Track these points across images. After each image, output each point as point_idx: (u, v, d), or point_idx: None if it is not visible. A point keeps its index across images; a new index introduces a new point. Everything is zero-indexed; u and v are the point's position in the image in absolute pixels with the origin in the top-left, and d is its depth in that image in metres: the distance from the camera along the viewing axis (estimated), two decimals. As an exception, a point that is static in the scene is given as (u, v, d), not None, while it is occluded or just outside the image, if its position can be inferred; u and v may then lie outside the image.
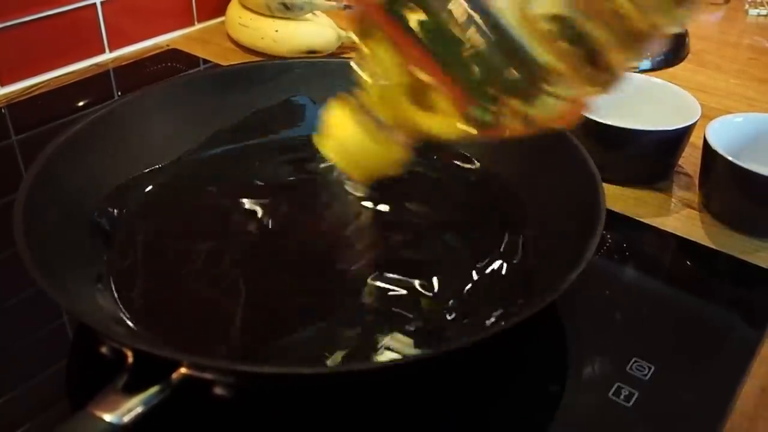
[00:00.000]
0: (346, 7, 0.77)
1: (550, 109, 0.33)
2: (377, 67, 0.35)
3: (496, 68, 0.31)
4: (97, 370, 0.35)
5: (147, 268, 0.45)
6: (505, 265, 0.46)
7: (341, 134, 0.36)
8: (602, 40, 0.30)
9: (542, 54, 0.31)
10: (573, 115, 0.34)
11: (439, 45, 0.32)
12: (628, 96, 0.61)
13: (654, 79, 0.61)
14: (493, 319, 0.41)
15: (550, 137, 0.49)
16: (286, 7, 0.74)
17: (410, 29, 0.32)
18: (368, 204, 0.50)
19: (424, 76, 0.33)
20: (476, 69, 0.32)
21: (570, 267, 0.37)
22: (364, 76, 0.35)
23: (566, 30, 0.30)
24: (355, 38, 0.35)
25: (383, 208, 0.50)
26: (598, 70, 0.31)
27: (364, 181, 0.39)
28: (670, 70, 0.78)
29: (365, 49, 0.35)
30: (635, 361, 0.41)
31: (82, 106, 0.68)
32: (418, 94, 0.34)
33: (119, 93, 0.72)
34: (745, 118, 0.56)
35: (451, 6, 0.31)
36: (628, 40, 0.31)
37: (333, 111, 0.37)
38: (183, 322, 0.41)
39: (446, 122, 0.34)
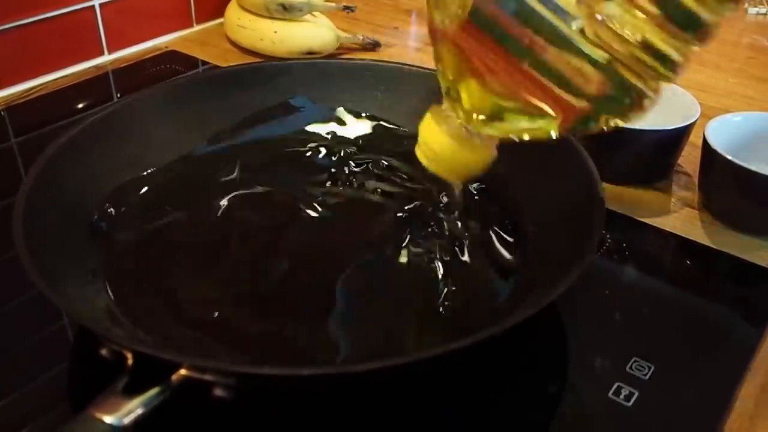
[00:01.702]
0: (345, 8, 0.77)
1: (647, 106, 0.34)
2: (469, 101, 0.36)
3: (619, 80, 0.32)
4: (98, 372, 0.35)
5: (146, 269, 0.45)
6: (504, 265, 0.46)
7: (433, 143, 0.38)
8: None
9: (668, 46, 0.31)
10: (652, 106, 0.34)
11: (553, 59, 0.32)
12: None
13: (653, 79, 0.61)
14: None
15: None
16: (285, 9, 0.74)
17: (505, 37, 0.33)
18: (369, 200, 0.50)
19: (528, 98, 0.33)
20: (603, 83, 0.32)
21: (569, 267, 0.37)
22: (447, 96, 0.36)
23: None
24: (440, 80, 0.37)
25: (382, 203, 0.50)
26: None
27: (458, 181, 0.41)
28: (669, 69, 0.78)
29: (448, 68, 0.36)
30: (635, 361, 0.41)
31: (81, 108, 0.68)
32: (514, 110, 0.35)
33: (118, 95, 0.72)
34: (745, 117, 0.56)
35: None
36: None
37: (424, 120, 0.38)
38: (183, 323, 0.41)
39: (541, 130, 0.35)
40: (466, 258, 0.46)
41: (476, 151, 0.37)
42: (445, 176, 0.40)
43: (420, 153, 0.39)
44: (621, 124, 0.35)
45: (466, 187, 0.43)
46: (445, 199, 0.48)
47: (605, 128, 0.35)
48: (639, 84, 0.33)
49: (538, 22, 0.32)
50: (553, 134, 0.35)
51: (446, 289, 0.44)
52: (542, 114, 0.34)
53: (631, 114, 0.34)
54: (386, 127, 0.58)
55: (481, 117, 0.36)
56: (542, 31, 0.32)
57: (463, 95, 0.36)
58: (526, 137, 0.36)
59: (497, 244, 0.47)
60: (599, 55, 0.32)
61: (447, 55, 0.35)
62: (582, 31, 0.32)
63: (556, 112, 0.34)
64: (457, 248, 0.46)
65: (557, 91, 0.33)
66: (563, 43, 0.32)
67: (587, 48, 0.32)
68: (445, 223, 0.47)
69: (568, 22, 0.32)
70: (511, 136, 0.36)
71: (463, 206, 0.45)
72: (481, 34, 0.34)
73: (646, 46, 0.32)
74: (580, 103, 0.33)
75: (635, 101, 0.33)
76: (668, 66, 0.32)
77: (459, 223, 0.47)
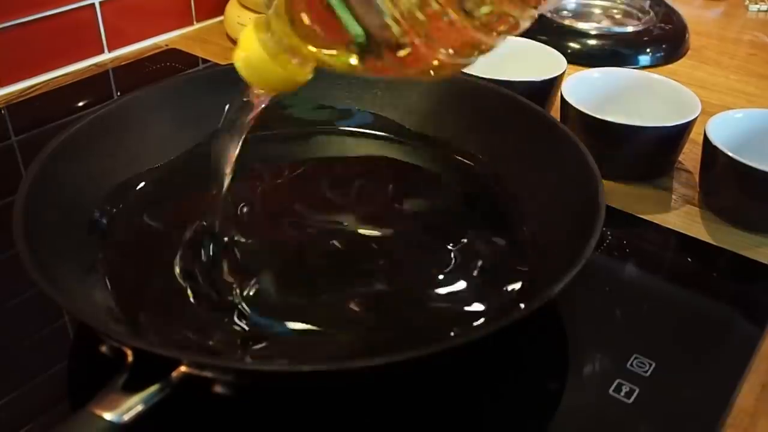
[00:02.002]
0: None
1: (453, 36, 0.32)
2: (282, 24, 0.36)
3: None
4: (98, 369, 0.35)
5: (145, 266, 0.45)
6: (504, 262, 0.46)
7: (249, 52, 0.38)
8: None
9: None
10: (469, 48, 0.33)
11: None
12: (628, 92, 0.61)
13: (654, 75, 0.61)
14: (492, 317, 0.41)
15: (549, 134, 0.49)
16: (285, 6, 0.74)
17: None
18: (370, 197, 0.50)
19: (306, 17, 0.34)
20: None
21: (569, 264, 0.37)
22: (274, 25, 0.36)
23: None
24: None
25: (383, 200, 0.50)
26: None
27: (267, 92, 0.40)
28: (670, 66, 0.78)
29: None
30: (636, 358, 0.41)
31: (81, 106, 0.68)
32: (309, 29, 0.35)
33: (118, 93, 0.72)
34: (746, 114, 0.56)
35: None
36: None
37: (247, 29, 0.38)
38: (182, 320, 0.41)
39: (335, 57, 0.35)
40: (465, 256, 0.46)
41: (287, 69, 0.37)
42: (255, 84, 0.40)
43: (235, 57, 0.39)
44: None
45: (261, 100, 0.41)
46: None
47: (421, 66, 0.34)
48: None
49: None
50: (352, 61, 0.34)
51: (446, 287, 0.44)
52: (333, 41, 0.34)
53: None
54: (386, 123, 0.58)
55: (291, 37, 0.35)
56: None
57: (278, 16, 0.35)
58: (329, 63, 0.35)
59: (497, 242, 0.47)
60: None
61: None
62: None
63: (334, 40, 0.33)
64: (457, 246, 0.46)
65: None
66: None
67: None
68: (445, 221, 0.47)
69: None
70: (316, 58, 0.36)
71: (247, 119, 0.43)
72: None
73: None
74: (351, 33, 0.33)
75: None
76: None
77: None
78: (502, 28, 0.32)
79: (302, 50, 0.36)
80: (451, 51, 0.33)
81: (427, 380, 0.39)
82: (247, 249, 0.46)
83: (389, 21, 0.31)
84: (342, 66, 0.35)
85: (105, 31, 0.75)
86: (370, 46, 0.33)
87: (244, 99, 0.41)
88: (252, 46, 0.37)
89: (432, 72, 0.34)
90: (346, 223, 0.49)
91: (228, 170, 0.43)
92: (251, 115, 0.42)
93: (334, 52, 0.34)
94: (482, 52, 0.33)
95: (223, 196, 0.43)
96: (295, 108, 0.58)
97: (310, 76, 0.39)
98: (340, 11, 0.32)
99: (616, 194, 0.55)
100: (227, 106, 0.42)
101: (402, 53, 0.33)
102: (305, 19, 0.34)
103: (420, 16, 0.31)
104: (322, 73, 0.59)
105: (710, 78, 0.75)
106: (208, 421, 0.37)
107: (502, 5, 0.31)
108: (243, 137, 0.42)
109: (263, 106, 0.41)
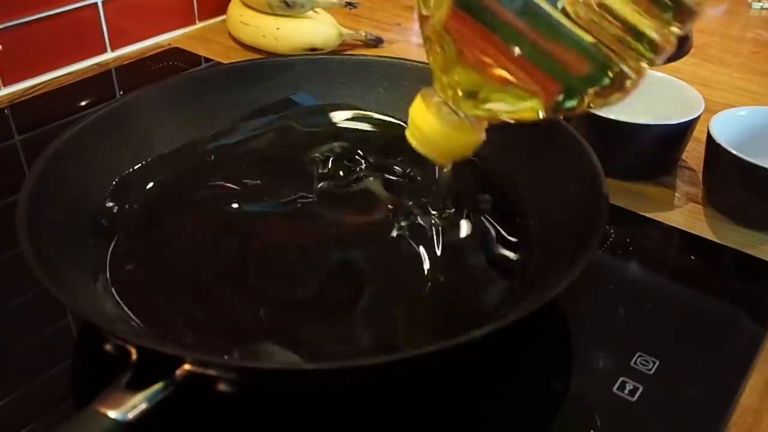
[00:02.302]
0: (348, 4, 0.77)
1: (629, 87, 0.34)
2: (447, 68, 0.36)
3: (600, 56, 0.32)
4: (102, 368, 0.35)
5: (148, 265, 0.45)
6: (507, 260, 0.45)
7: (421, 125, 0.38)
8: None
9: (647, 24, 0.32)
10: (636, 89, 0.35)
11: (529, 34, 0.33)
12: (631, 90, 0.61)
13: (657, 73, 0.61)
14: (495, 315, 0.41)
15: (552, 132, 0.49)
16: (287, 5, 0.74)
17: (490, 21, 0.33)
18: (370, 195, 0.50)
19: (506, 74, 0.34)
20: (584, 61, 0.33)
21: (573, 262, 0.37)
22: (435, 77, 0.37)
23: None
24: (426, 46, 0.37)
25: (385, 198, 0.50)
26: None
27: (446, 163, 0.42)
28: (674, 64, 0.78)
29: (431, 49, 0.36)
30: (639, 356, 0.41)
31: (84, 105, 0.68)
32: (491, 89, 0.36)
33: (121, 92, 0.72)
34: (749, 111, 0.56)
35: None
36: None
37: (414, 103, 0.39)
38: (186, 318, 0.41)
39: (526, 112, 0.36)
40: (468, 253, 0.46)
41: (465, 133, 0.38)
42: (434, 158, 0.41)
43: (410, 134, 0.40)
44: (604, 106, 0.35)
45: (453, 170, 0.43)
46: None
47: (590, 107, 0.35)
48: (620, 64, 0.33)
49: (522, 3, 0.32)
50: (540, 114, 0.35)
51: (448, 285, 0.44)
52: (525, 95, 0.34)
53: (613, 95, 0.34)
54: (389, 123, 0.58)
55: (469, 99, 0.36)
56: (527, 14, 0.32)
57: (451, 78, 0.36)
58: (511, 119, 0.36)
59: (500, 240, 0.47)
60: (581, 35, 0.32)
61: (435, 39, 0.36)
62: (564, 11, 0.32)
63: (538, 93, 0.34)
64: (458, 244, 0.46)
65: (539, 71, 0.33)
66: (547, 23, 0.32)
67: (570, 28, 0.32)
68: (445, 219, 0.47)
69: (551, 2, 0.32)
70: (498, 117, 0.37)
71: (448, 191, 0.45)
72: (465, 17, 0.34)
73: (626, 25, 0.32)
74: (561, 83, 0.34)
75: (616, 82, 0.34)
76: (649, 47, 0.33)
77: (452, 211, 0.47)
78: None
79: (477, 112, 0.36)
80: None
81: (430, 379, 0.39)
82: (257, 244, 0.47)
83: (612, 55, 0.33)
84: (527, 116, 0.36)
85: (108, 30, 0.75)
86: (606, 82, 0.34)
87: (439, 177, 0.43)
88: (426, 119, 0.38)
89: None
90: (346, 220, 0.49)
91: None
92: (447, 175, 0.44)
93: (523, 104, 0.35)
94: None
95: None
96: (297, 107, 0.58)
97: (484, 138, 0.39)
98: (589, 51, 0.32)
99: (620, 192, 0.55)
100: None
101: (628, 84, 0.34)
102: (504, 73, 0.34)
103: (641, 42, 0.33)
104: (323, 73, 0.59)
105: (713, 76, 0.75)
106: (212, 419, 0.37)
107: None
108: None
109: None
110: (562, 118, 0.40)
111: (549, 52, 0.33)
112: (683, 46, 0.81)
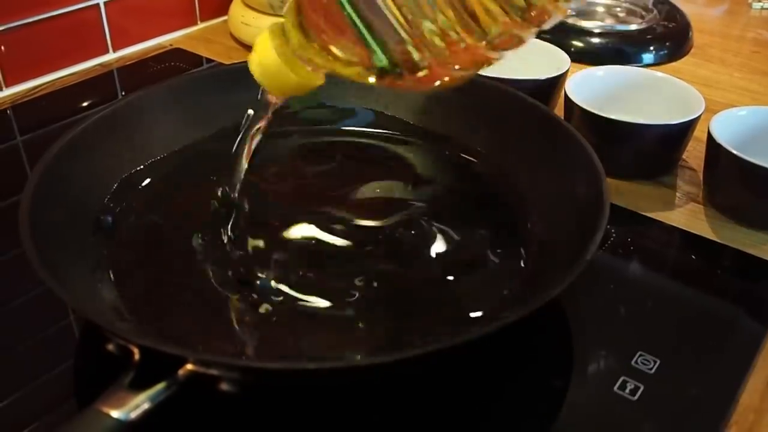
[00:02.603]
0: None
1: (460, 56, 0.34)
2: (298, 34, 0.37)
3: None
4: (104, 368, 0.35)
5: (150, 264, 0.45)
6: (508, 259, 0.46)
7: (262, 57, 0.39)
8: None
9: None
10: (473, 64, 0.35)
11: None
12: (632, 90, 0.61)
13: (658, 74, 0.61)
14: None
15: (552, 132, 0.49)
16: (289, 6, 0.74)
17: None
18: (371, 193, 0.50)
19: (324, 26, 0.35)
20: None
21: (574, 262, 0.37)
22: (287, 10, 0.37)
23: None
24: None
25: (386, 197, 0.51)
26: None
27: (281, 96, 0.42)
28: (674, 64, 0.78)
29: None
30: (640, 355, 0.41)
31: (86, 106, 0.68)
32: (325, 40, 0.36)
33: (123, 93, 0.72)
34: (749, 111, 0.56)
35: None
36: None
37: (262, 34, 0.39)
38: (188, 317, 0.41)
39: (352, 71, 0.36)
40: (468, 253, 0.46)
41: (301, 74, 0.38)
42: (268, 89, 0.41)
43: (250, 62, 0.40)
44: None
45: (277, 103, 0.42)
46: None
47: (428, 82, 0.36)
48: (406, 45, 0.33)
49: None
50: (365, 75, 0.35)
51: (449, 284, 0.44)
52: (349, 51, 0.35)
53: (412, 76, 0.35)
54: (389, 121, 0.58)
55: (306, 47, 0.36)
56: None
57: (294, 28, 0.36)
58: (344, 73, 0.36)
59: (500, 239, 0.47)
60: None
61: None
62: None
63: (354, 53, 0.35)
64: (459, 243, 0.46)
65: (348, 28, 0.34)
66: None
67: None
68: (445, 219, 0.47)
69: None
70: (332, 69, 0.37)
71: (267, 119, 0.44)
72: None
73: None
74: (367, 45, 0.34)
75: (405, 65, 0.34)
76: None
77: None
78: (508, 45, 0.34)
79: (317, 61, 0.37)
80: (461, 68, 0.35)
81: (430, 379, 0.39)
82: (257, 246, 0.47)
83: (410, 48, 0.33)
84: (357, 79, 0.36)
85: (110, 31, 0.75)
86: (391, 69, 0.34)
87: (260, 99, 0.42)
88: (267, 53, 0.38)
89: (439, 84, 0.36)
90: (348, 219, 0.49)
91: (245, 165, 0.44)
92: (267, 114, 0.43)
93: (352, 69, 0.35)
94: (489, 65, 0.35)
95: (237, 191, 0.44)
96: (298, 108, 0.58)
97: (321, 82, 0.40)
98: (369, 39, 0.33)
99: (620, 192, 0.55)
100: (248, 110, 0.43)
101: (420, 74, 0.34)
102: (324, 36, 0.35)
103: (439, 43, 0.33)
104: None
105: (714, 76, 0.75)
106: (215, 418, 0.37)
107: (512, 27, 0.33)
108: (259, 134, 0.44)
109: (278, 105, 0.42)
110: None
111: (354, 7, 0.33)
112: (684, 46, 0.81)
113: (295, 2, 0.36)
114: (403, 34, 0.33)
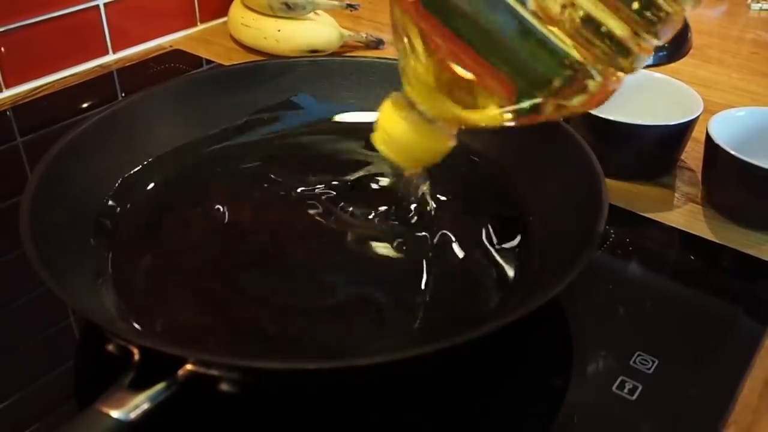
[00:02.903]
0: (349, 6, 0.77)
1: (592, 89, 0.33)
2: (417, 65, 0.35)
3: (558, 56, 0.32)
4: (104, 368, 0.35)
5: (151, 265, 0.45)
6: (507, 259, 0.46)
7: (391, 129, 0.38)
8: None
9: (616, 26, 0.31)
10: (605, 94, 0.34)
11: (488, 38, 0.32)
12: (631, 91, 0.61)
13: (656, 74, 0.61)
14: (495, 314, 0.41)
15: (552, 133, 0.49)
16: (289, 7, 0.75)
17: (450, 22, 0.33)
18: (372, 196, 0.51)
19: (464, 72, 0.33)
20: (536, 61, 0.32)
21: (572, 262, 0.37)
22: (404, 74, 0.36)
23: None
24: (393, 36, 0.37)
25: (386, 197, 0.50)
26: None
27: (414, 169, 0.41)
28: (673, 65, 0.78)
29: (403, 46, 0.36)
30: (639, 355, 0.41)
31: (86, 107, 0.68)
32: (459, 90, 0.35)
33: (123, 94, 0.72)
34: (748, 112, 0.56)
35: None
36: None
37: (383, 108, 0.38)
38: (187, 318, 0.41)
39: (489, 115, 0.35)
40: (469, 253, 0.46)
41: (433, 139, 0.37)
42: (402, 163, 0.40)
43: (378, 139, 0.39)
44: (572, 109, 0.35)
45: (424, 176, 0.43)
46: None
47: (558, 115, 0.35)
48: (583, 62, 0.32)
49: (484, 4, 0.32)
50: (503, 117, 0.35)
51: (448, 284, 0.44)
52: (486, 95, 0.34)
53: (575, 97, 0.34)
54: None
55: (435, 98, 0.35)
56: (488, 6, 0.32)
57: (418, 75, 0.35)
58: (477, 122, 0.36)
59: (500, 239, 0.47)
60: (541, 29, 0.31)
61: (401, 26, 0.35)
62: (531, 10, 0.31)
63: (495, 92, 0.34)
64: (459, 243, 0.47)
65: (492, 68, 0.33)
66: (494, 19, 0.32)
67: (532, 23, 0.31)
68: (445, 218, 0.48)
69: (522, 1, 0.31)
70: (464, 119, 0.36)
71: (416, 196, 0.45)
72: (429, 14, 0.34)
73: (592, 23, 0.31)
74: (515, 82, 0.33)
75: (575, 80, 0.33)
76: (619, 49, 0.32)
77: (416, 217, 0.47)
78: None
79: (451, 113, 0.35)
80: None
81: (430, 379, 0.39)
82: (258, 245, 0.47)
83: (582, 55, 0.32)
84: (491, 123, 0.35)
85: (110, 32, 0.76)
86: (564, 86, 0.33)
87: (404, 182, 0.42)
88: (395, 124, 0.37)
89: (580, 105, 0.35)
90: (348, 219, 0.49)
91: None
92: (419, 180, 0.43)
93: (485, 104, 0.34)
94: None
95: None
96: (299, 106, 0.59)
97: (453, 144, 0.39)
98: (557, 45, 0.32)
99: (619, 192, 0.55)
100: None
101: (591, 86, 0.33)
102: (463, 77, 0.34)
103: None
104: (324, 75, 0.59)
105: (713, 77, 0.75)
106: (215, 419, 0.37)
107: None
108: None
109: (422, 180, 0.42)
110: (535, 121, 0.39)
111: (501, 48, 0.32)
112: (683, 46, 0.81)
113: (430, 62, 0.35)
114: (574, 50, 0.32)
